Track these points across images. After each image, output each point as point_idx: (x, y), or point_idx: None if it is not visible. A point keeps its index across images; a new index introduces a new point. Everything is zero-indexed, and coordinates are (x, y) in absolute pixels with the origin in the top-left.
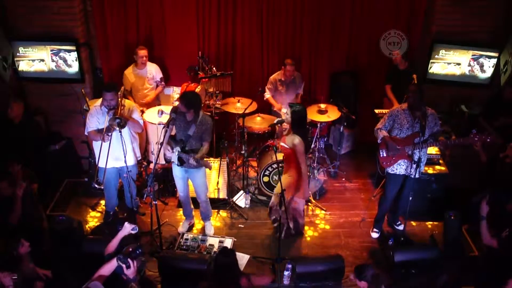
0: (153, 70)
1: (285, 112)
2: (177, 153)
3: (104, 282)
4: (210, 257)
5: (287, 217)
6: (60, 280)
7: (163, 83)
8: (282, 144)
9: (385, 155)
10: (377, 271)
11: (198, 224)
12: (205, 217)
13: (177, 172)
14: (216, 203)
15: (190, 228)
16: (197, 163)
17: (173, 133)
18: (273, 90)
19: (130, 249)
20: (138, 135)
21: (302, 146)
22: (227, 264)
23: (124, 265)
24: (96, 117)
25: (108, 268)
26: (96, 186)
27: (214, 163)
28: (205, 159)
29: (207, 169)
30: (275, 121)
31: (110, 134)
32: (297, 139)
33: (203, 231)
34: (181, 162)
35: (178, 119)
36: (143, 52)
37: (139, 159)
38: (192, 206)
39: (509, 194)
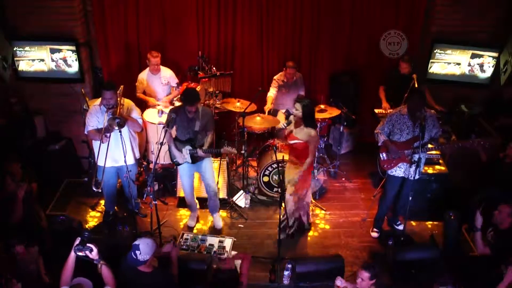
0: (167, 76)
1: (284, 112)
2: (188, 151)
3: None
4: (210, 257)
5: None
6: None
7: (179, 88)
8: (293, 141)
9: (385, 158)
10: (378, 270)
11: (198, 224)
12: (214, 209)
13: (185, 170)
14: None
15: (198, 220)
16: (211, 152)
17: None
18: (277, 89)
19: (80, 238)
20: (137, 135)
21: (318, 138)
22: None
23: (87, 251)
24: (96, 116)
25: (69, 266)
26: (94, 189)
27: (214, 163)
28: (227, 147)
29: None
30: (283, 124)
31: (108, 134)
32: (313, 132)
33: (203, 230)
34: (194, 160)
35: (179, 118)
36: (155, 60)
37: (138, 158)
38: (196, 201)
39: (506, 194)
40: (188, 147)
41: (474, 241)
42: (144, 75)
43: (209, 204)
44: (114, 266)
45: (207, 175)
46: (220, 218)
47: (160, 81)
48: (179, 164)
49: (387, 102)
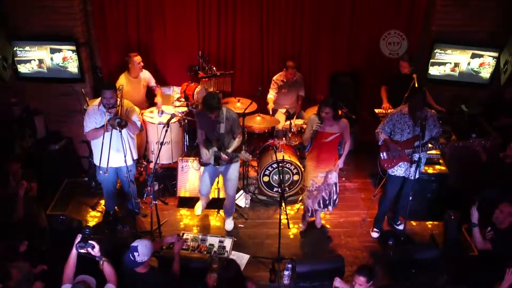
0: (147, 78)
1: (284, 112)
2: (213, 153)
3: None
4: (210, 257)
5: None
6: (59, 280)
7: (158, 86)
8: (331, 138)
9: (386, 157)
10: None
11: (198, 224)
12: (228, 213)
13: (211, 169)
14: (216, 203)
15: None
16: (233, 157)
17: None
18: (276, 90)
19: (81, 234)
20: (136, 135)
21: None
22: (231, 278)
23: (89, 248)
24: (94, 117)
25: (71, 264)
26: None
27: None
28: (245, 153)
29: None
30: (318, 125)
31: (110, 128)
32: (344, 119)
33: (203, 230)
34: (218, 162)
35: (205, 121)
36: (139, 58)
37: (136, 159)
38: (210, 197)
39: (502, 193)
40: (214, 148)
41: (473, 237)
42: (123, 81)
43: (224, 206)
44: (114, 266)
45: (228, 179)
46: (232, 221)
47: (140, 85)
48: (204, 165)
49: (388, 103)
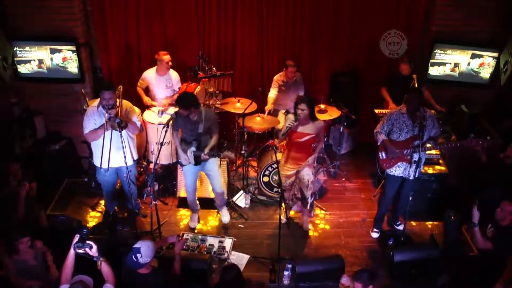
0: (173, 79)
1: (283, 112)
2: (192, 153)
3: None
4: (210, 257)
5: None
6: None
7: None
8: (305, 138)
9: (384, 157)
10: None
11: (198, 224)
12: (220, 204)
13: (190, 169)
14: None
15: (198, 220)
16: (213, 155)
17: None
18: (277, 90)
19: (79, 234)
20: (136, 135)
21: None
22: (230, 280)
23: (87, 248)
24: (93, 118)
25: (69, 264)
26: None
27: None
28: (227, 152)
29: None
30: (293, 122)
31: (110, 127)
32: (321, 121)
33: (203, 230)
34: (198, 162)
35: (183, 122)
36: (168, 57)
37: (136, 159)
38: (197, 202)
39: (502, 193)
40: (193, 149)
41: (473, 237)
42: (150, 74)
43: (216, 202)
44: (114, 266)
45: (212, 176)
46: (227, 212)
47: (164, 83)
48: (183, 165)
49: (394, 103)
